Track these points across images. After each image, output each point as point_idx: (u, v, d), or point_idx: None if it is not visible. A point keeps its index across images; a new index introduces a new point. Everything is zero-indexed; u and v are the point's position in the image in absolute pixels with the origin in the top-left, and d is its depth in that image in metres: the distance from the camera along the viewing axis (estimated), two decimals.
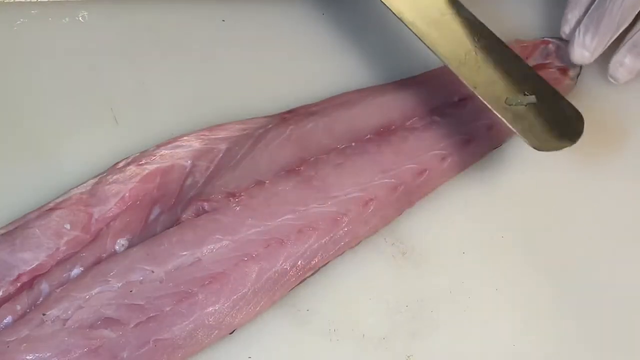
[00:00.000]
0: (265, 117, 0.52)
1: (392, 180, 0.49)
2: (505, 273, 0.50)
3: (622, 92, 0.58)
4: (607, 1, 0.53)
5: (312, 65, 0.58)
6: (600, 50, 0.54)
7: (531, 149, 0.48)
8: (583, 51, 0.54)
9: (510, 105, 0.50)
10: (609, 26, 0.53)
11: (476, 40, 0.53)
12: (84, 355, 0.41)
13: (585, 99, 0.56)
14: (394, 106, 0.53)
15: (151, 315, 0.43)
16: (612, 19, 0.53)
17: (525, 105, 0.50)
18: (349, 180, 0.49)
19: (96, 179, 0.48)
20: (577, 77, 0.57)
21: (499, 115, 0.49)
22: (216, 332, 0.44)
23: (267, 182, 0.48)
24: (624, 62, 0.55)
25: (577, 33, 0.54)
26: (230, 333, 0.45)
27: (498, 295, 0.49)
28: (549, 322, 0.48)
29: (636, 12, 0.54)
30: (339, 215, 0.47)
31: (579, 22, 0.55)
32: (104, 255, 0.45)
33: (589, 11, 0.54)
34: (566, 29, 0.56)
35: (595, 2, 0.54)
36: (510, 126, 0.49)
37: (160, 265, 0.44)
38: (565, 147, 0.49)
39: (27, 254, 0.44)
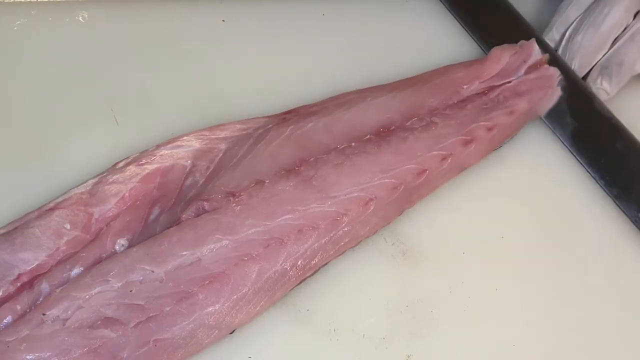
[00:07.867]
0: (265, 117, 0.52)
1: (392, 180, 0.49)
2: (505, 273, 0.50)
3: None
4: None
5: (312, 65, 0.58)
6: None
7: (531, 149, 0.48)
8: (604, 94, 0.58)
9: None
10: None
11: None
12: (84, 355, 0.41)
13: None
14: (393, 106, 0.53)
15: (151, 315, 0.43)
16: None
17: None
18: (349, 180, 0.49)
19: (96, 179, 0.48)
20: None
21: None
22: (216, 332, 0.44)
23: (267, 181, 0.48)
24: (600, 85, 0.57)
25: (597, 80, 0.58)
26: (230, 333, 0.44)
27: (498, 295, 0.49)
28: (548, 322, 0.48)
29: None
30: (339, 215, 0.47)
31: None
32: (104, 255, 0.45)
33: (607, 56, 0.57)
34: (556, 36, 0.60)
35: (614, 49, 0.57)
36: None
37: (160, 265, 0.44)
38: None
39: (27, 254, 0.44)
